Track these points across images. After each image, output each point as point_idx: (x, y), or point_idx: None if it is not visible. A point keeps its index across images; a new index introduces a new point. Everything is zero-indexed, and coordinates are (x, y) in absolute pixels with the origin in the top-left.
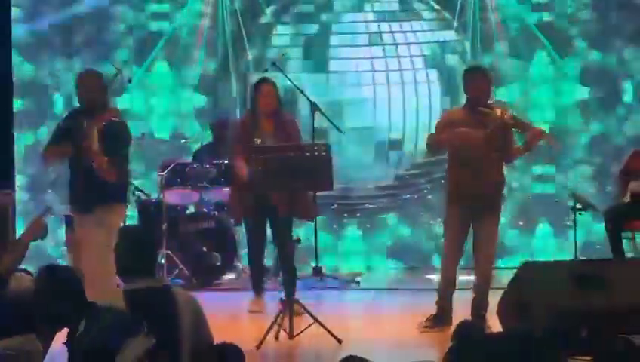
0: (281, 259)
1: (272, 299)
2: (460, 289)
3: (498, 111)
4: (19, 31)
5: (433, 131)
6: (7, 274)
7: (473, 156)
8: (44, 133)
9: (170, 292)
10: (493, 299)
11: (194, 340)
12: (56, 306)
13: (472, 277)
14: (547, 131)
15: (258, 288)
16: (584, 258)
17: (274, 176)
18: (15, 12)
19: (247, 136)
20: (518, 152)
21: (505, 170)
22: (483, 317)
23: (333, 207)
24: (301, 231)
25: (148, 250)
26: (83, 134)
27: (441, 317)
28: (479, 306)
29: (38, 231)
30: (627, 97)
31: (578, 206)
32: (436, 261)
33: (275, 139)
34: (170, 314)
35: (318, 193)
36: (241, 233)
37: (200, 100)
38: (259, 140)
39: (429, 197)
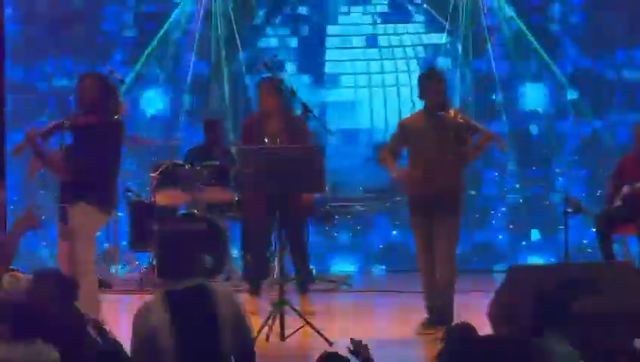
0: (297, 257)
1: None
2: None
3: (452, 113)
4: (10, 31)
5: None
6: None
7: (427, 160)
8: None
9: (208, 291)
10: (484, 301)
11: (235, 337)
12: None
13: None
14: (495, 134)
15: (255, 288)
16: (574, 261)
17: (265, 178)
18: (7, 12)
19: (253, 136)
20: (471, 154)
21: (462, 173)
22: (448, 323)
23: (323, 208)
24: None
25: (185, 251)
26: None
27: (432, 319)
28: (441, 312)
29: (30, 222)
30: (618, 100)
31: (569, 209)
32: None
33: (283, 139)
34: (209, 314)
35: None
36: (235, 233)
37: (192, 101)
38: (266, 140)
39: None
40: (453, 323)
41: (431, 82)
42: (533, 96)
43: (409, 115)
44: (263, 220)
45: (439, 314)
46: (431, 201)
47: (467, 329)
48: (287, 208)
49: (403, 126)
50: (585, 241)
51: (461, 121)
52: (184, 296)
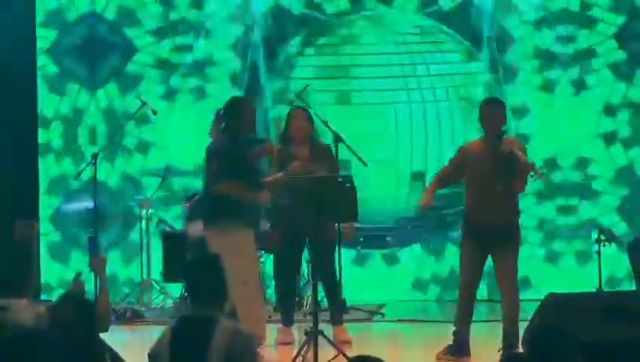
0: (329, 287)
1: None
2: (482, 321)
3: (510, 141)
4: (44, 62)
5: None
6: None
7: (486, 187)
8: (69, 164)
9: (210, 323)
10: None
11: None
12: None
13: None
14: (537, 164)
15: (288, 318)
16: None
17: (299, 206)
18: (41, 43)
19: (279, 163)
20: (521, 183)
21: (519, 203)
22: (514, 346)
23: (357, 238)
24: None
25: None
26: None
27: (457, 348)
28: (508, 336)
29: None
30: None
31: (602, 238)
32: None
33: (310, 166)
34: (201, 345)
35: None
36: (267, 264)
37: None
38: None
39: (453, 228)
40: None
41: (491, 109)
42: (565, 122)
43: (469, 141)
44: (292, 249)
45: (505, 338)
46: (487, 232)
47: (522, 357)
48: (317, 237)
49: (463, 150)
50: (618, 270)
51: (517, 149)
52: (187, 326)
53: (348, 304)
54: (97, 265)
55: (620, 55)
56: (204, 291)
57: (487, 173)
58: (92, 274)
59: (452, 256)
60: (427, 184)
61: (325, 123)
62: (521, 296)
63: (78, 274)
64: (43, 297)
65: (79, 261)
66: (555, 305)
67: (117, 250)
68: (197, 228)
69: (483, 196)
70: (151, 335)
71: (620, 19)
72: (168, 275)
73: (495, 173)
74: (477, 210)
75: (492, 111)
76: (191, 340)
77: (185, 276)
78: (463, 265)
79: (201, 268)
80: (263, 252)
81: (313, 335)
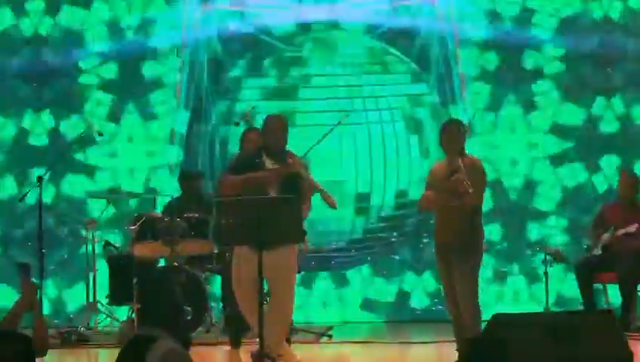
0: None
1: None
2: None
3: (466, 161)
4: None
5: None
6: None
7: (444, 208)
8: (13, 187)
9: (146, 343)
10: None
11: None
12: None
13: None
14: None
15: (235, 341)
16: (556, 310)
17: (242, 228)
18: None
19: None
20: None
21: (477, 218)
22: None
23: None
24: None
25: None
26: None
27: None
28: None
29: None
30: (598, 150)
31: (549, 259)
32: (405, 313)
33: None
34: None
35: None
36: (215, 286)
37: (172, 153)
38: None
39: (398, 251)
40: None
41: (447, 129)
42: (512, 144)
43: (436, 162)
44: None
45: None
46: (449, 249)
47: None
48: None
49: (430, 171)
50: (566, 290)
51: (477, 167)
52: (126, 347)
53: (295, 325)
54: (28, 291)
55: (567, 76)
56: (149, 312)
57: (444, 191)
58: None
59: (400, 277)
60: (422, 203)
61: None
62: None
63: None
64: None
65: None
66: (501, 325)
67: (63, 273)
68: (144, 250)
69: (444, 214)
70: (97, 358)
71: (566, 42)
72: (114, 298)
73: (450, 190)
74: (440, 227)
75: (448, 131)
76: (127, 360)
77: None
78: (441, 279)
79: (148, 289)
80: (209, 273)
81: (260, 358)
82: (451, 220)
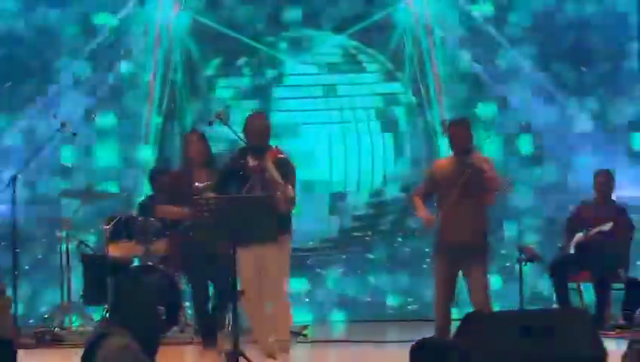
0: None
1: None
2: None
3: (478, 158)
4: None
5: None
6: None
7: (454, 205)
8: None
9: (102, 338)
10: None
11: None
12: None
13: None
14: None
15: (208, 340)
16: (530, 309)
17: (215, 227)
18: None
19: (177, 186)
20: (491, 196)
21: (487, 218)
22: None
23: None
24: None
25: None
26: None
27: None
28: None
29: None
30: (572, 148)
31: (523, 257)
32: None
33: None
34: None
35: None
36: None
37: (147, 153)
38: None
39: (372, 249)
40: None
41: (459, 128)
42: (487, 142)
43: (439, 159)
44: (197, 270)
45: None
46: (457, 247)
47: None
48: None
49: (432, 167)
50: (540, 289)
51: (487, 165)
52: (87, 343)
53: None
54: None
55: (541, 76)
56: (118, 312)
57: (456, 188)
58: None
59: (375, 276)
60: (414, 205)
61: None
62: None
63: None
64: None
65: None
66: (474, 324)
67: (37, 273)
68: (119, 250)
69: (453, 212)
70: (70, 359)
71: (539, 39)
72: (88, 298)
73: (463, 189)
74: (447, 225)
75: (457, 130)
76: (84, 357)
77: (111, 299)
78: (436, 281)
79: (118, 289)
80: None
81: (233, 357)
82: (465, 219)
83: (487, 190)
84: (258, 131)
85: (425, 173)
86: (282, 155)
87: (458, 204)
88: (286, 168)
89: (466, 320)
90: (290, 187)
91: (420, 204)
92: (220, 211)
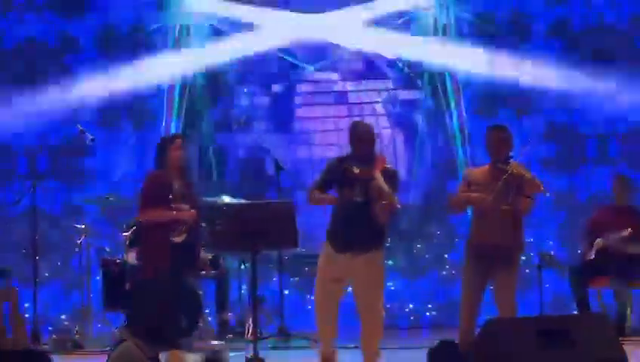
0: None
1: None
2: None
3: (514, 166)
4: None
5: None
6: None
7: (490, 213)
8: (7, 192)
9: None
10: None
11: None
12: None
13: None
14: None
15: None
16: (550, 314)
17: (237, 235)
18: None
19: (157, 193)
20: (528, 204)
21: (522, 225)
22: None
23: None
24: (266, 289)
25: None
26: (369, 174)
27: None
28: None
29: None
30: (591, 154)
31: (543, 263)
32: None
33: (185, 200)
34: None
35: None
36: (209, 291)
37: None
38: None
39: (392, 255)
40: None
41: (497, 135)
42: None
43: (475, 168)
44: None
45: None
46: (490, 254)
47: None
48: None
49: (468, 175)
50: (560, 295)
51: (523, 173)
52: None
53: (290, 331)
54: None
55: (560, 81)
56: (134, 317)
57: (492, 195)
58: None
59: (393, 282)
60: (452, 202)
61: (267, 151)
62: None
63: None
64: None
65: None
66: (493, 330)
67: (57, 279)
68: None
69: (489, 219)
70: None
71: (559, 43)
72: (108, 304)
73: (500, 196)
74: (482, 232)
75: (498, 137)
76: None
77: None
78: (465, 288)
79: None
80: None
81: None
82: (500, 224)
83: (524, 197)
84: (365, 139)
85: (462, 180)
86: (389, 165)
87: (493, 211)
88: (392, 179)
89: (486, 325)
90: (397, 198)
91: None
92: (240, 218)
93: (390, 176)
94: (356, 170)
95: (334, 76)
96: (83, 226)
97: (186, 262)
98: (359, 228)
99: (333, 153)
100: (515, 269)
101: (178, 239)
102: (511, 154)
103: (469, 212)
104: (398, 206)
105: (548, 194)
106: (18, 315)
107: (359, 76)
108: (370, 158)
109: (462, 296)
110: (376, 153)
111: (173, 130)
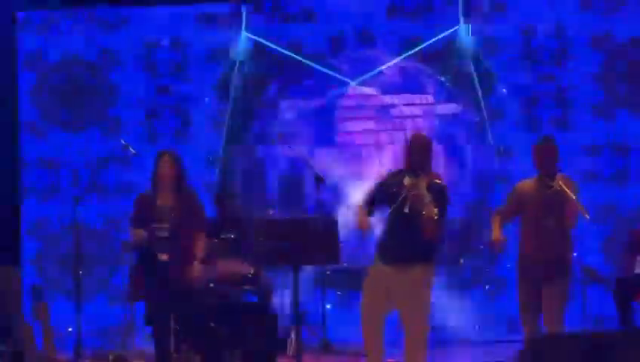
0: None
1: None
2: None
3: (560, 181)
4: (25, 104)
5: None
6: None
7: (537, 226)
8: (51, 207)
9: None
10: None
11: None
12: None
13: None
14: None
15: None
16: (594, 329)
17: (278, 250)
18: (22, 85)
19: (136, 216)
20: (571, 220)
21: (570, 239)
22: None
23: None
24: (308, 303)
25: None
26: (413, 184)
27: None
28: None
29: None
30: (635, 166)
31: (587, 278)
32: (446, 335)
33: (175, 213)
34: None
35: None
36: None
37: (208, 173)
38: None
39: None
40: None
41: (543, 148)
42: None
43: (524, 180)
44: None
45: None
46: (539, 267)
47: None
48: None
49: (517, 189)
50: (604, 310)
51: (567, 191)
52: None
53: (333, 345)
54: (39, 311)
55: (601, 95)
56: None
57: (539, 209)
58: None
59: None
60: (492, 225)
61: (308, 165)
62: (507, 338)
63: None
64: None
65: (60, 305)
66: (536, 346)
67: (101, 294)
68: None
69: (536, 232)
70: None
71: (600, 58)
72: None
73: (547, 210)
74: (530, 245)
75: (544, 150)
76: None
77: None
78: (521, 306)
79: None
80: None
81: None
82: (548, 238)
83: (567, 213)
84: (416, 150)
85: (510, 193)
86: (439, 181)
87: (542, 225)
88: (439, 194)
89: (529, 342)
90: (435, 210)
91: (497, 225)
92: (282, 232)
93: (437, 190)
94: (406, 181)
95: (375, 90)
96: (127, 241)
97: (171, 279)
98: (405, 240)
99: (373, 168)
100: (562, 281)
101: (164, 257)
102: (558, 165)
103: (511, 225)
104: (435, 217)
105: (588, 217)
106: (47, 329)
107: (400, 90)
108: (421, 170)
109: (520, 309)
110: (430, 166)
111: (213, 144)
